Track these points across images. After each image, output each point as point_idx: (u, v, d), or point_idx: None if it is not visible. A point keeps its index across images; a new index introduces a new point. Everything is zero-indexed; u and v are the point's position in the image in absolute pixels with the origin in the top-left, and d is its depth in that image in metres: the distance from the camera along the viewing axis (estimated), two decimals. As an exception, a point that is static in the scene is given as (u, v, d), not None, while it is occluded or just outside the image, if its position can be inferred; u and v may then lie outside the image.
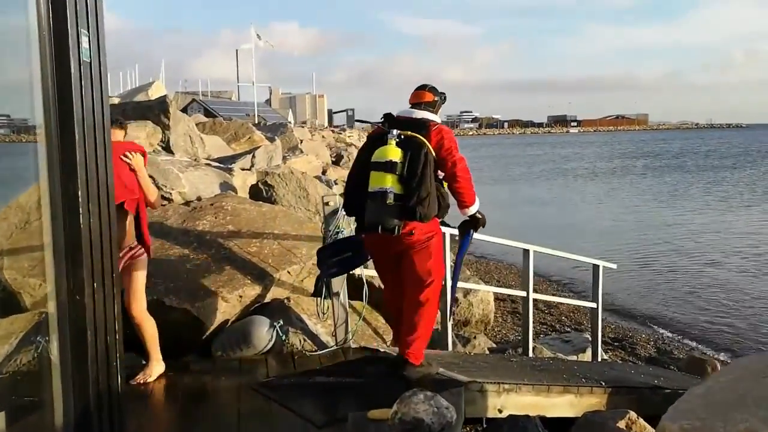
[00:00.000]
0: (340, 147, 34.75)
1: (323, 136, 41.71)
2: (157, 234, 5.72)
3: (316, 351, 5.17)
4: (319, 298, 5.38)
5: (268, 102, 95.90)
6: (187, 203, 6.36)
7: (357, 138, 69.55)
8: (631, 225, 22.82)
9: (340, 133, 69.50)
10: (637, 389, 5.52)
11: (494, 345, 7.78)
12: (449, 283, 5.60)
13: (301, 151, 19.29)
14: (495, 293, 8.55)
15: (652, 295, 12.60)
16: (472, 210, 4.36)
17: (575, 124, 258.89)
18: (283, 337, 5.20)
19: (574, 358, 7.94)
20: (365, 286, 5.36)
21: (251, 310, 5.49)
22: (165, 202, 6.47)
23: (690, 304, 12.09)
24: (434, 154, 4.10)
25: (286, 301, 5.59)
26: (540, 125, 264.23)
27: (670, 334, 10.36)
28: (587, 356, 8.08)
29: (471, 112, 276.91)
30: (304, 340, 5.30)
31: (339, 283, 5.24)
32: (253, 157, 9.71)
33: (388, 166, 3.99)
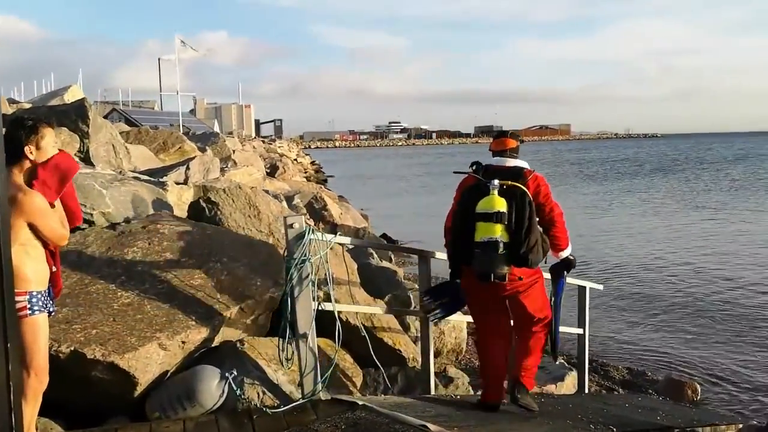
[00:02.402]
0: (273, 158, 33.54)
1: (254, 147, 40.33)
2: (74, 266, 4.64)
3: (279, 407, 4.20)
4: (281, 340, 4.42)
5: (193, 112, 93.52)
6: (112, 226, 5.28)
7: (287, 148, 68.45)
8: (576, 236, 22.59)
9: (270, 144, 68.14)
10: (646, 432, 4.87)
11: (466, 375, 6.94)
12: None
13: (235, 163, 18.15)
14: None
15: (613, 312, 12.08)
16: (566, 253, 4.58)
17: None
18: (238, 391, 4.21)
19: (554, 387, 7.23)
20: (338, 322, 4.43)
21: (196, 358, 4.47)
22: (85, 226, 5.36)
23: (653, 320, 11.64)
24: (532, 200, 4.23)
25: (239, 344, 4.60)
26: (468, 135, 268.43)
27: (640, 354, 9.80)
28: (566, 385, 7.37)
29: (399, 122, 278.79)
30: (264, 393, 4.33)
31: (306, 322, 4.30)
32: (188, 168, 8.62)
33: (496, 217, 4.10)
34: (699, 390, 8.09)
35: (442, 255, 5.52)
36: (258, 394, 4.31)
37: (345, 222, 16.37)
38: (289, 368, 4.45)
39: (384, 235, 19.32)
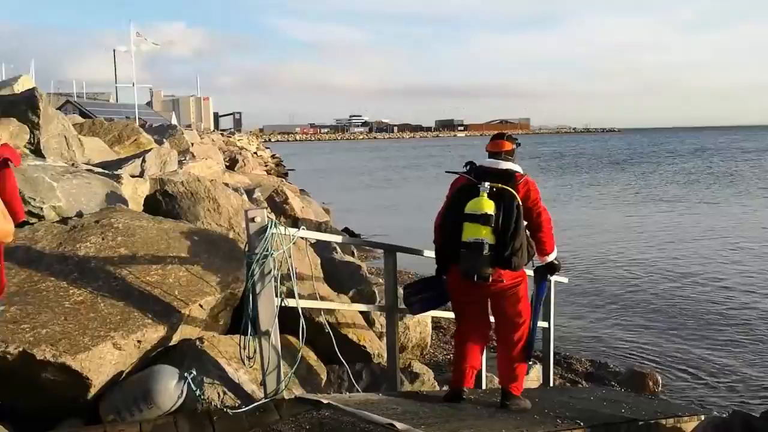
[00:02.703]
0: (233, 151, 33.05)
1: (213, 140, 39.69)
2: (23, 262, 4.41)
3: (240, 407, 4.05)
4: (242, 338, 4.26)
5: (150, 104, 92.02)
6: (63, 220, 5.04)
7: (247, 141, 67.67)
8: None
9: (230, 137, 67.31)
10: (614, 425, 4.88)
11: (431, 371, 6.87)
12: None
13: (193, 155, 17.79)
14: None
15: (572, 305, 12.14)
16: (551, 257, 4.63)
17: (462, 128, 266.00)
18: (197, 391, 4.05)
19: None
20: (301, 319, 4.30)
21: (153, 358, 4.29)
22: (34, 220, 5.11)
23: (613, 313, 11.76)
24: (521, 204, 4.29)
25: (198, 343, 4.43)
26: (429, 129, 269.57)
27: (601, 347, 9.88)
28: (531, 378, 7.36)
29: (361, 116, 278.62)
30: (224, 393, 4.18)
31: (268, 319, 4.15)
32: (143, 161, 8.33)
33: (483, 219, 4.17)
34: (660, 381, 8.19)
35: (405, 249, 5.44)
36: (218, 394, 4.16)
37: (306, 216, 16.18)
38: (250, 367, 4.31)
39: (346, 229, 19.18)
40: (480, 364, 4.97)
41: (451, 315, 5.85)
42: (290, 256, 4.24)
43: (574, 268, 15.28)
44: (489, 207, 4.19)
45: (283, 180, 29.16)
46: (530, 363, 6.00)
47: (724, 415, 5.71)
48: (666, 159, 66.23)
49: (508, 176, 4.36)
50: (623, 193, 33.97)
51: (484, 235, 4.18)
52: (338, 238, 5.27)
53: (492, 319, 4.77)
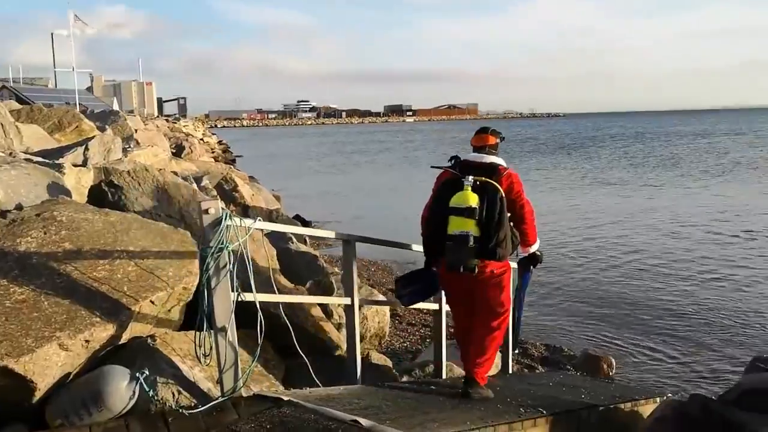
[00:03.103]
0: (179, 137, 32.28)
1: (157, 126, 38.70)
2: (-41, 260, 4.12)
3: (196, 407, 3.88)
4: (197, 334, 4.09)
5: (90, 89, 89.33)
6: (2, 214, 4.75)
7: (192, 127, 66.24)
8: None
9: (175, 123, 65.87)
10: (575, 412, 4.89)
11: (390, 360, 6.80)
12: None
13: (138, 143, 17.27)
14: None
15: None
16: (534, 248, 4.77)
17: (411, 113, 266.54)
18: (150, 392, 3.86)
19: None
20: (259, 313, 4.14)
21: (102, 358, 4.08)
22: (-31, 214, 4.79)
23: (563, 298, 11.88)
24: (504, 196, 4.38)
25: (150, 340, 4.23)
26: (377, 114, 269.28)
27: (555, 332, 9.96)
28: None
29: (308, 101, 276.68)
30: (179, 392, 3.99)
31: (224, 314, 3.98)
32: (86, 149, 7.97)
33: (468, 212, 4.26)
34: (614, 364, 8.31)
35: (363, 238, 5.32)
36: (173, 393, 3.97)
37: (257, 203, 15.89)
38: (206, 364, 4.13)
39: (297, 216, 18.95)
40: None
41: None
42: (247, 249, 4.07)
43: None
44: (473, 200, 4.29)
45: (232, 167, 28.63)
46: (516, 351, 6.44)
47: (681, 398, 5.81)
48: (609, 143, 67.64)
49: (492, 169, 4.46)
50: (570, 177, 34.53)
51: (469, 227, 4.29)
52: (297, 230, 5.11)
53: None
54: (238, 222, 4.02)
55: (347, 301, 4.83)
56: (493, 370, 7.23)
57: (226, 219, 3.92)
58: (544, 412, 4.56)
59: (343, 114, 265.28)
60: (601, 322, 10.49)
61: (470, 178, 4.35)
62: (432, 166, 4.78)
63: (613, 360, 8.35)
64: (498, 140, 4.72)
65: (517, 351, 7.14)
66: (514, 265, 4.94)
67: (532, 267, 4.93)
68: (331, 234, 4.99)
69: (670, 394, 6.33)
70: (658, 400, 5.78)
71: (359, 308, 4.98)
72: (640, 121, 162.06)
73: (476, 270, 4.36)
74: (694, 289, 12.13)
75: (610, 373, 8.13)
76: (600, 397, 5.50)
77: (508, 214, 4.46)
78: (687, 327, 10.05)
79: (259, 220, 4.21)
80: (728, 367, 8.43)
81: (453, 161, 4.61)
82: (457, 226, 4.31)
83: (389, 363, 6.47)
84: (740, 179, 30.86)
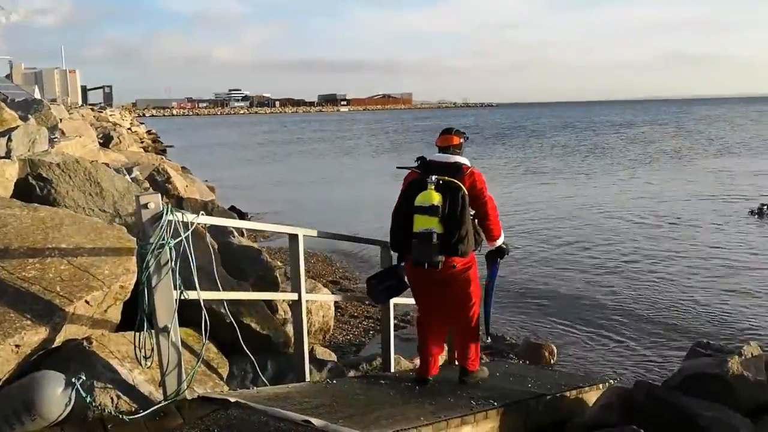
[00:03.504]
0: (106, 127, 31.14)
1: (83, 115, 37.24)
2: None
3: (138, 412, 3.68)
4: (137, 335, 3.88)
5: (9, 77, 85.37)
6: None
7: (120, 117, 64.10)
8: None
9: (101, 112, 63.68)
10: (524, 402, 4.90)
11: (334, 353, 6.68)
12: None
13: (63, 133, 16.52)
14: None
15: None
16: (500, 242, 4.97)
17: (345, 103, 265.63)
18: (87, 398, 3.63)
19: (422, 359, 7.17)
20: (203, 311, 3.95)
21: (34, 363, 3.83)
22: None
23: (503, 287, 11.97)
24: (468, 194, 4.57)
25: (86, 343, 3.99)
26: (311, 104, 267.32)
27: (495, 321, 9.97)
28: (435, 356, 7.34)
29: (240, 90, 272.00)
30: (119, 397, 3.79)
31: (166, 313, 3.78)
32: (9, 140, 7.51)
33: (431, 210, 4.44)
34: (555, 352, 8.42)
35: (311, 232, 5.20)
36: (112, 398, 3.76)
37: (191, 195, 15.47)
38: (147, 367, 3.94)
39: (233, 208, 18.55)
40: (442, 349, 5.37)
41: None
42: (190, 245, 3.88)
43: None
44: (436, 199, 4.45)
45: (163, 157, 27.83)
46: (488, 340, 6.94)
47: (624, 384, 5.91)
48: (542, 133, 69.07)
49: (455, 169, 4.64)
50: (505, 166, 35.05)
51: (433, 225, 4.45)
52: (244, 224, 4.95)
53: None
54: (179, 217, 3.83)
55: (294, 296, 4.69)
56: (441, 360, 7.25)
57: (167, 214, 3.72)
58: (495, 403, 4.55)
59: (277, 103, 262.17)
60: (540, 311, 10.61)
61: (433, 177, 4.52)
62: (398, 167, 4.95)
63: (554, 347, 8.47)
64: (462, 140, 4.91)
65: (488, 340, 7.60)
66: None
67: (499, 259, 5.12)
68: (277, 228, 4.83)
69: (612, 381, 6.43)
70: (601, 386, 5.87)
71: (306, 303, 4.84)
72: (569, 111, 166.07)
73: (440, 266, 4.52)
74: (630, 277, 12.36)
75: (552, 361, 8.24)
76: (547, 385, 5.53)
77: (472, 212, 4.66)
78: (624, 315, 10.24)
79: (202, 214, 4.02)
80: (668, 352, 8.64)
81: (419, 162, 4.77)
82: (421, 223, 4.48)
83: (334, 357, 6.36)
84: (667, 168, 31.98)
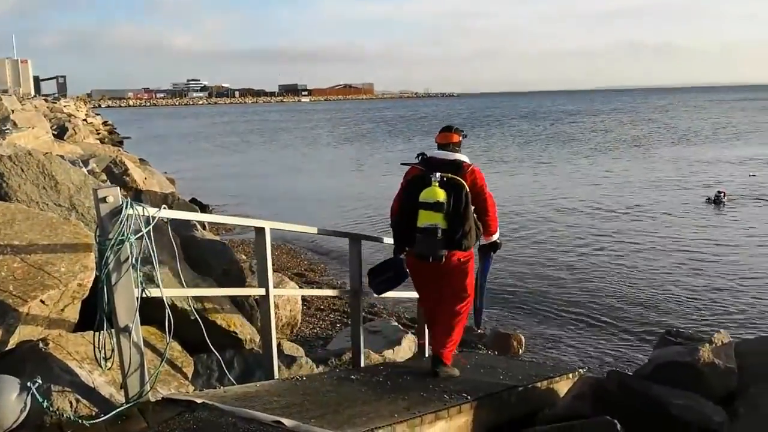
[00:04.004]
0: (61, 118, 30.29)
1: (36, 106, 36.20)
2: None
3: (98, 416, 3.50)
4: (96, 335, 3.70)
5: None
6: None
7: (74, 107, 62.53)
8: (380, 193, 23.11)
9: (54, 103, 62.09)
10: (497, 395, 4.85)
11: (301, 348, 6.54)
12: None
13: (15, 124, 16.00)
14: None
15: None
16: (495, 237, 5.13)
17: (306, 93, 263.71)
18: (44, 402, 3.44)
19: (391, 353, 7.10)
20: (167, 310, 3.78)
21: (-15, 367, 3.61)
22: None
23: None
24: (469, 191, 4.72)
25: (42, 344, 3.79)
26: (272, 94, 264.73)
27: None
28: (403, 348, 7.27)
29: (199, 80, 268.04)
30: (78, 400, 3.59)
31: (127, 312, 3.60)
32: (-43, 131, 7.18)
33: (436, 206, 4.59)
34: (523, 341, 8.41)
35: (278, 225, 5.05)
36: (71, 402, 3.57)
37: (150, 187, 15.10)
38: (108, 368, 3.75)
39: (194, 200, 18.21)
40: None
41: (329, 292, 5.68)
42: (151, 240, 3.70)
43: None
44: (441, 195, 4.60)
45: (120, 149, 27.19)
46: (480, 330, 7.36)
47: (593, 373, 5.90)
48: (503, 122, 69.53)
49: (457, 166, 4.79)
50: (469, 155, 35.07)
51: (437, 220, 4.61)
52: (208, 217, 4.78)
53: None
54: (140, 211, 3.64)
55: (261, 291, 4.54)
56: (407, 353, 7.19)
57: (127, 208, 3.53)
58: (469, 397, 4.48)
59: (237, 94, 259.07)
60: (506, 301, 10.61)
61: (437, 174, 4.66)
62: (402, 163, 5.10)
63: (522, 337, 8.45)
64: (461, 138, 5.05)
65: (480, 330, 8.01)
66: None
67: (492, 253, 5.30)
68: (243, 221, 4.67)
69: (581, 370, 6.43)
70: (570, 376, 5.86)
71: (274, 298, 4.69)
72: (529, 101, 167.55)
73: (443, 259, 4.69)
74: (594, 267, 12.44)
75: (520, 351, 8.23)
76: (518, 376, 5.49)
77: (472, 207, 4.77)
78: (589, 304, 10.29)
79: (164, 207, 3.84)
80: (631, 339, 8.72)
81: (420, 158, 4.92)
82: (426, 219, 4.62)
83: (302, 352, 6.22)
84: (627, 156, 32.44)
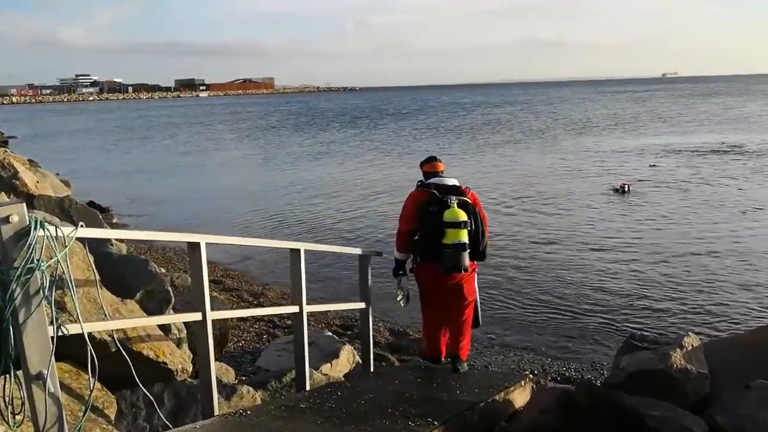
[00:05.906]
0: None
1: None
2: None
3: (7, 487, 2.83)
4: (1, 383, 3.01)
5: None
6: None
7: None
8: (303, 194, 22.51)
9: (-73, 100, 57.23)
10: (460, 415, 4.49)
11: (231, 371, 5.91)
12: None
13: None
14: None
15: (341, 277, 11.61)
16: (482, 246, 5.55)
17: (204, 88, 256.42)
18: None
19: (329, 367, 6.60)
20: (89, 346, 3.13)
21: None
22: None
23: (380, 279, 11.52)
24: None
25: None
26: (168, 89, 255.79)
27: (391, 317, 9.43)
28: (342, 361, 6.78)
29: (89, 75, 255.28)
30: (-22, 469, 2.91)
31: (41, 356, 2.93)
32: None
33: (462, 225, 5.22)
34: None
35: (215, 239, 4.45)
36: (-30, 472, 2.89)
37: (44, 191, 13.74)
38: (16, 426, 3.07)
39: (92, 203, 16.91)
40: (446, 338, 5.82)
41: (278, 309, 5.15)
42: (68, 266, 3.05)
43: (336, 234, 15.03)
44: (462, 215, 5.22)
45: (6, 149, 25.09)
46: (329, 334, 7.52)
47: (541, 377, 5.63)
48: (404, 116, 69.81)
49: (460, 190, 5.42)
50: (376, 149, 34.88)
51: (464, 237, 5.21)
52: (132, 234, 4.13)
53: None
54: (52, 231, 2.97)
55: (197, 316, 3.93)
56: (346, 365, 6.72)
57: (36, 228, 2.86)
58: (435, 423, 4.07)
59: (130, 89, 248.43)
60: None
61: (453, 198, 5.27)
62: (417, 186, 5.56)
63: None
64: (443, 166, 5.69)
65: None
66: None
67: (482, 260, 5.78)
68: (173, 236, 4.03)
69: (530, 375, 6.17)
70: (523, 383, 5.58)
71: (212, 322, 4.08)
72: (430, 94, 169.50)
73: (468, 270, 5.27)
74: (517, 265, 12.24)
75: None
76: (474, 389, 5.14)
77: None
78: (528, 305, 10.07)
79: (82, 225, 3.17)
80: (580, 346, 8.45)
81: (421, 184, 5.53)
82: (454, 236, 5.18)
83: (232, 373, 5.63)
84: (534, 147, 33.16)
